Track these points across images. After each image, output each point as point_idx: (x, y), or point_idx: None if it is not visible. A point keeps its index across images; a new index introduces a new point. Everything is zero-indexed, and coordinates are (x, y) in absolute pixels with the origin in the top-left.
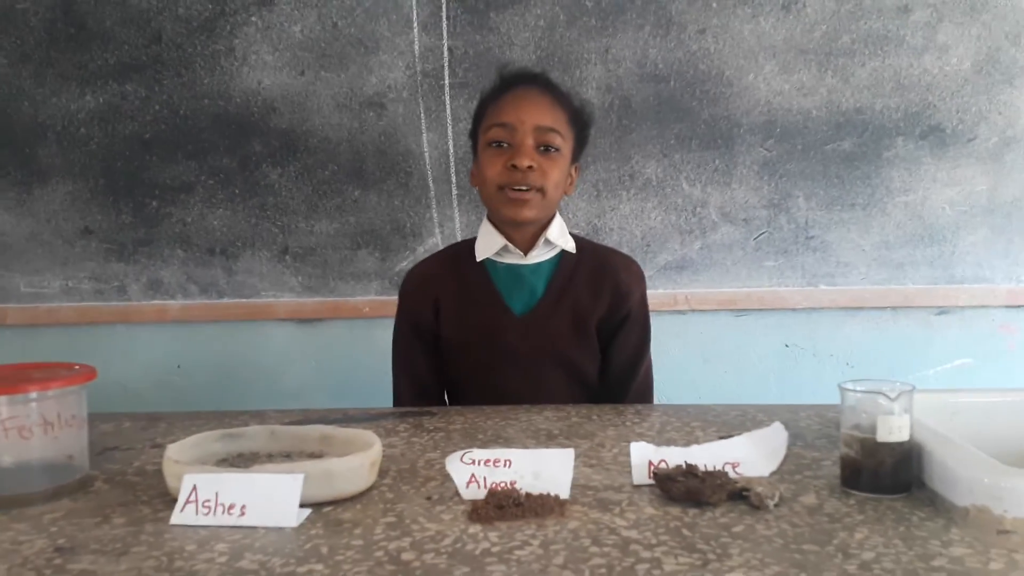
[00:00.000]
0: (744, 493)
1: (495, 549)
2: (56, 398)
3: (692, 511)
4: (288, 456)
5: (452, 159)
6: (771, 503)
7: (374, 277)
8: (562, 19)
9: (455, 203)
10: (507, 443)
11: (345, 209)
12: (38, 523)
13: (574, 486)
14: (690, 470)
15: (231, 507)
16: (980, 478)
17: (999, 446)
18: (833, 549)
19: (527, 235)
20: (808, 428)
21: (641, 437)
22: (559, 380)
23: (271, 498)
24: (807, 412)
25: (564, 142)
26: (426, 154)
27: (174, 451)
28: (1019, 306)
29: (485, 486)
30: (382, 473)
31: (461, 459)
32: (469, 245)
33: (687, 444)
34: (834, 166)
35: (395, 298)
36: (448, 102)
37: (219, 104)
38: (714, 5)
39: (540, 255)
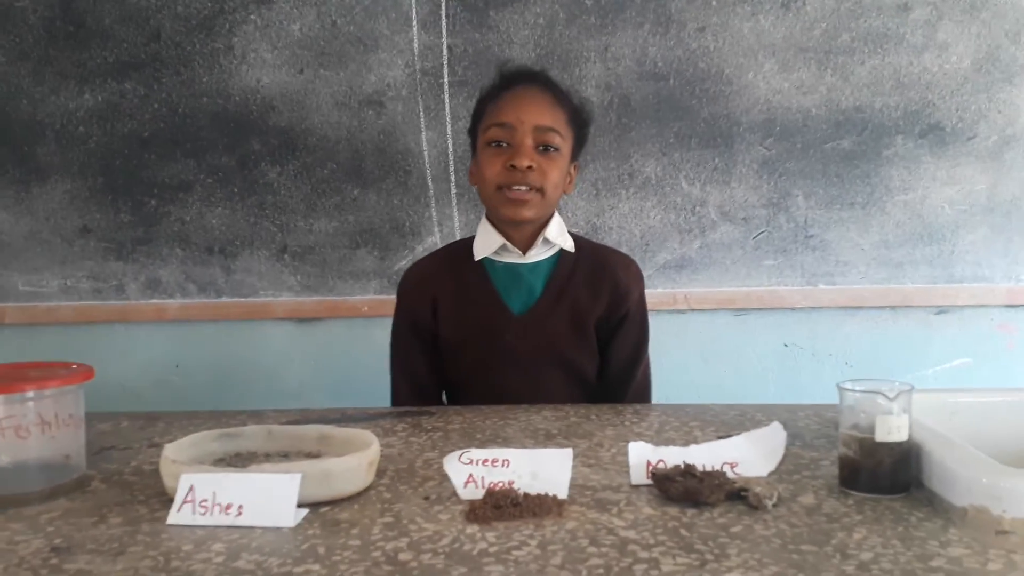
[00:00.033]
0: (742, 493)
1: (493, 549)
2: (53, 397)
3: (690, 511)
4: (286, 456)
5: (451, 158)
6: (769, 503)
7: (373, 276)
8: (561, 17)
9: (454, 202)
10: (505, 443)
11: (344, 208)
12: (35, 523)
13: (572, 486)
14: (688, 470)
15: (228, 507)
16: (979, 478)
17: (998, 446)
18: (831, 549)
19: (526, 234)
20: (807, 428)
21: (639, 437)
22: (557, 380)
23: (268, 498)
24: (806, 412)
25: (563, 141)
26: (425, 153)
27: (171, 451)
28: (1018, 305)
29: (483, 486)
30: (380, 473)
31: (459, 459)
32: (467, 244)
33: (685, 444)
34: (833, 165)
35: (394, 297)
36: (447, 100)
37: (218, 102)
38: (713, 3)
39: (539, 254)
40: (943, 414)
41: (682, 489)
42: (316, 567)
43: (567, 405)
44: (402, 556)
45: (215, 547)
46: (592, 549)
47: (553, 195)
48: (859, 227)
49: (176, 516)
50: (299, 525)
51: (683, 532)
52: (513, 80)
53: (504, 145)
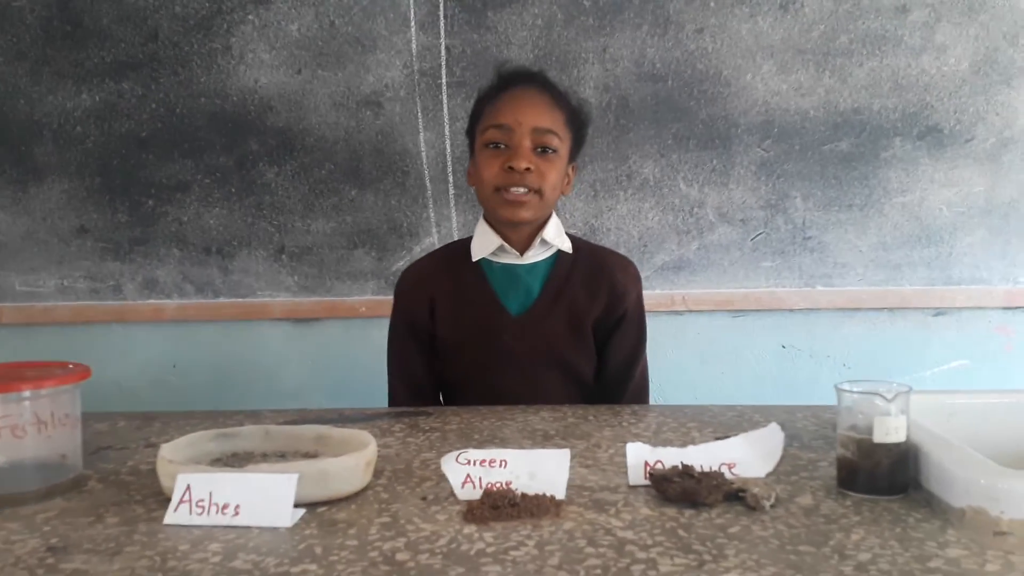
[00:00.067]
0: (740, 494)
1: (490, 550)
2: (50, 397)
3: (688, 512)
4: (283, 456)
5: (449, 158)
6: (767, 504)
7: (370, 277)
8: (560, 18)
9: (452, 203)
10: (503, 443)
11: (342, 208)
12: (31, 522)
13: (570, 487)
14: (686, 471)
15: (225, 507)
16: (977, 479)
17: (996, 447)
18: (829, 550)
19: (523, 235)
20: (804, 429)
21: (637, 438)
22: (555, 380)
23: (265, 498)
24: (803, 413)
25: (561, 143)
26: (423, 153)
27: (168, 450)
28: (1016, 307)
29: (481, 486)
30: (377, 473)
31: (457, 459)
32: (465, 245)
33: (683, 445)
34: (831, 167)
35: (391, 298)
36: (445, 101)
37: (216, 103)
38: (712, 4)
39: (536, 255)
40: (941, 415)
41: (680, 490)
42: (313, 567)
43: (565, 406)
44: (399, 556)
45: (212, 547)
46: (590, 549)
47: (551, 196)
48: (857, 229)
49: (173, 516)
50: (296, 525)
51: (681, 533)
52: (511, 81)
53: (502, 147)
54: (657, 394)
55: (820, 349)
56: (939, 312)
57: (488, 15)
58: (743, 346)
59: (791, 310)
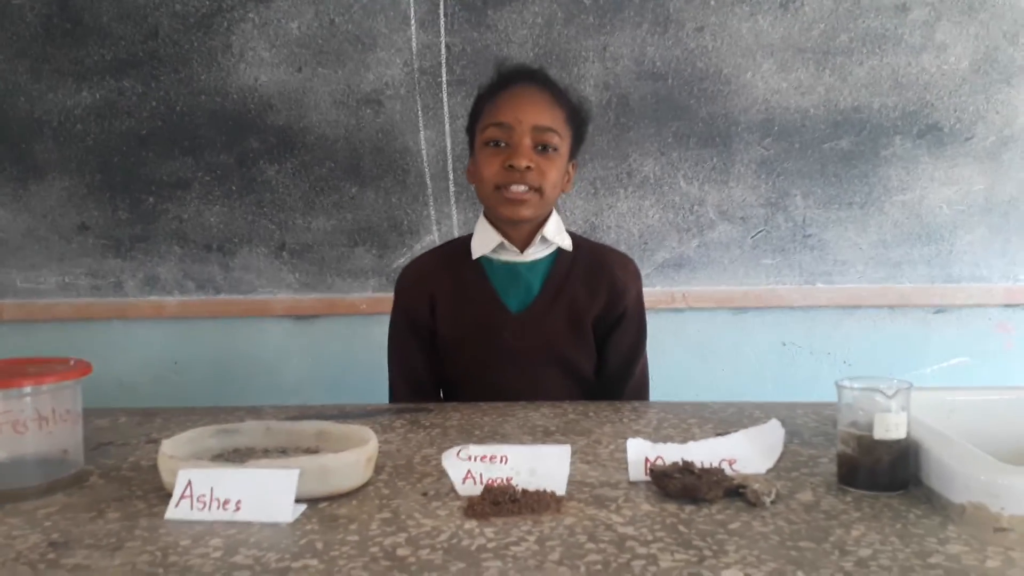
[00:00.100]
0: (740, 490)
1: (491, 545)
2: (50, 393)
3: (688, 508)
4: (284, 452)
5: (449, 156)
6: (767, 500)
7: (371, 274)
8: (560, 16)
9: (452, 200)
10: (504, 439)
11: (342, 206)
12: (32, 518)
13: (570, 482)
14: (687, 467)
15: (226, 502)
16: (977, 475)
17: (996, 444)
18: (830, 546)
19: (523, 232)
20: (805, 425)
21: (638, 434)
22: (555, 378)
23: (266, 493)
24: (804, 409)
25: (562, 141)
26: (423, 151)
27: (169, 446)
28: (1016, 305)
29: (481, 482)
30: (378, 469)
31: (457, 455)
32: (465, 242)
33: (684, 441)
34: (832, 165)
35: (392, 295)
36: (446, 99)
37: (216, 100)
38: (712, 3)
39: (536, 252)
40: (941, 412)
41: (680, 486)
42: (314, 562)
43: (565, 402)
44: (400, 552)
45: (213, 542)
46: (590, 545)
47: (551, 194)
48: (857, 227)
49: (174, 511)
50: (297, 521)
51: (681, 528)
52: (511, 79)
53: (502, 145)
54: (657, 392)
55: (820, 346)
56: (939, 310)
57: (488, 13)
58: (743, 343)
59: (791, 307)
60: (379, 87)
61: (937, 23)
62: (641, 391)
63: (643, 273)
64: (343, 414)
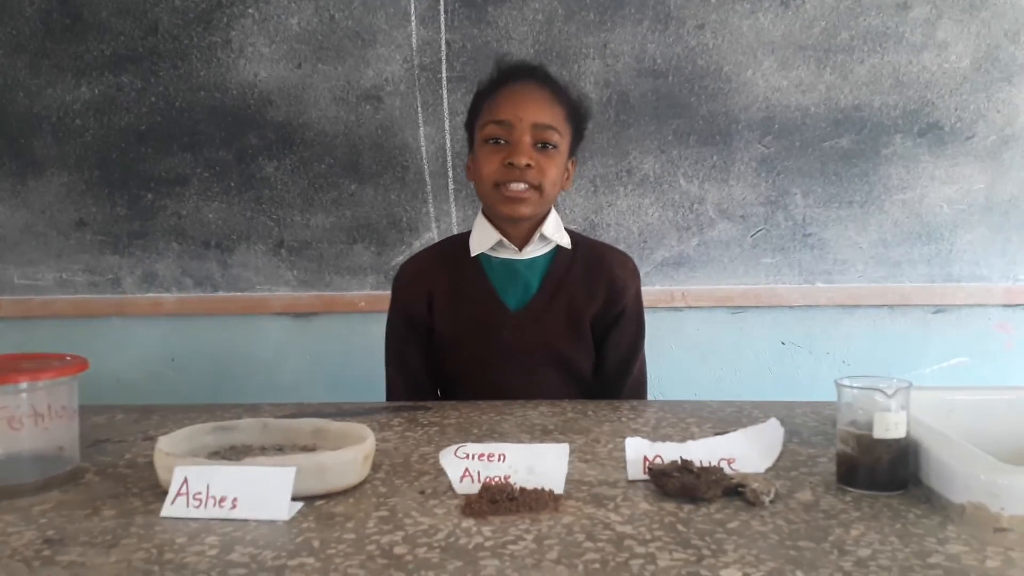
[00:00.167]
0: (739, 489)
1: (488, 543)
2: (47, 389)
3: (687, 507)
4: (280, 449)
5: (449, 153)
6: (766, 499)
7: (370, 271)
8: (560, 13)
9: (451, 197)
10: (501, 438)
11: (341, 203)
12: (27, 514)
13: (568, 481)
14: (685, 466)
15: (222, 500)
16: (977, 475)
17: (996, 444)
18: (829, 546)
19: (522, 230)
20: (804, 424)
21: (636, 433)
22: (553, 376)
23: (263, 491)
24: (803, 408)
25: (562, 138)
26: (423, 148)
27: (165, 443)
28: (1016, 305)
29: (479, 480)
30: (375, 467)
31: (455, 453)
32: (463, 239)
33: (683, 440)
34: (832, 163)
35: (390, 292)
36: (445, 96)
37: (215, 96)
38: (713, 0)
39: (535, 250)
40: (941, 412)
41: (679, 485)
42: (310, 560)
43: (564, 401)
44: (397, 550)
45: (209, 540)
46: (588, 544)
47: (551, 192)
48: (857, 226)
49: (170, 509)
50: (294, 518)
51: (680, 527)
52: (511, 75)
53: (502, 142)
54: (655, 391)
55: (820, 346)
56: (939, 309)
57: (488, 10)
58: (743, 342)
59: (791, 307)
60: (379, 83)
61: (938, 21)
62: (639, 390)
63: (642, 272)
64: (340, 412)
